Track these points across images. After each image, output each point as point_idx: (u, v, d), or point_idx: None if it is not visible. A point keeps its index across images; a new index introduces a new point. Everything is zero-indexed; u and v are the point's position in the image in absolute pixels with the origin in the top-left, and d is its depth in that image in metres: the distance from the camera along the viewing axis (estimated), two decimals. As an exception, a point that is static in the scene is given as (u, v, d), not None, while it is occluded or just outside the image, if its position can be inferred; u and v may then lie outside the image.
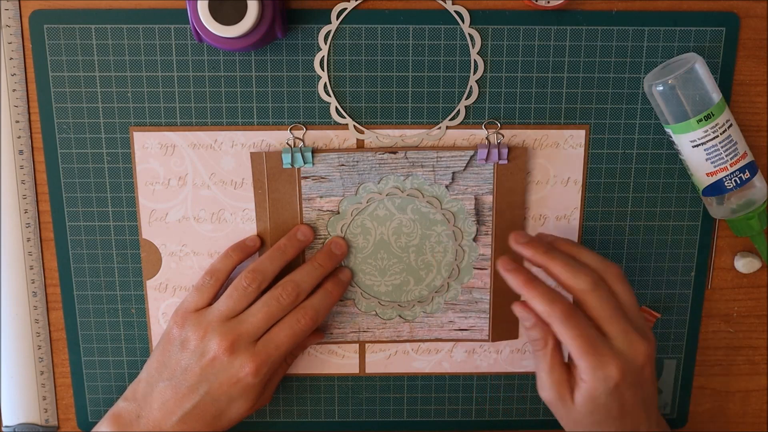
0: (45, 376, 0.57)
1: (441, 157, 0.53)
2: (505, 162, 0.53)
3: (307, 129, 0.53)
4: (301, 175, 0.53)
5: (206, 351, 0.50)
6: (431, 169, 0.53)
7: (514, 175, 0.54)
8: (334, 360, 0.58)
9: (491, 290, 0.56)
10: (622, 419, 0.48)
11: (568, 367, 0.48)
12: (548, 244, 0.49)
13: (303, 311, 0.52)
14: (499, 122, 0.53)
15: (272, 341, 0.51)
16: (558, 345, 0.48)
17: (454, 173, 0.53)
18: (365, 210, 0.54)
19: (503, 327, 0.57)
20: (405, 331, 0.57)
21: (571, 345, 0.46)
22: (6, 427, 0.57)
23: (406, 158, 0.53)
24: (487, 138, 0.53)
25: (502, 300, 0.56)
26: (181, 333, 0.51)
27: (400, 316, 0.56)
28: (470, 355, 0.58)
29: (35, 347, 0.56)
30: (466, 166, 0.53)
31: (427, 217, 0.54)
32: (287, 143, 0.53)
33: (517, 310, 0.48)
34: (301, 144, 0.53)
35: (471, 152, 0.53)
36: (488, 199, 0.54)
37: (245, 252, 0.54)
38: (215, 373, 0.50)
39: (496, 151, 0.53)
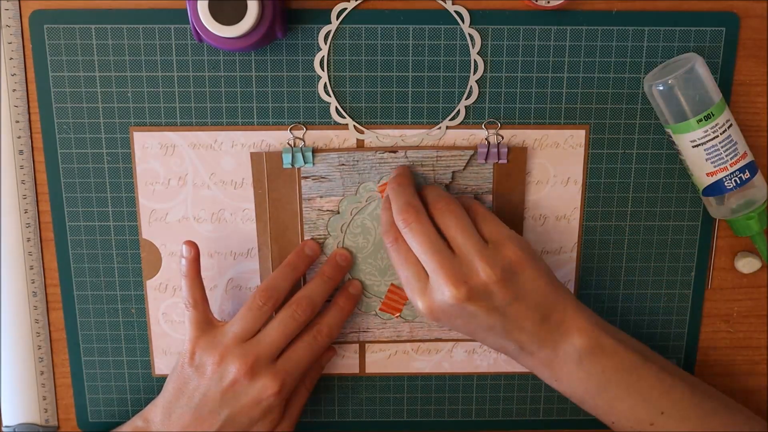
0: (45, 376, 0.57)
1: (441, 157, 0.53)
2: (505, 162, 0.53)
3: (307, 129, 0.53)
4: (302, 175, 0.53)
5: (225, 375, 0.49)
6: (431, 168, 0.53)
7: (513, 175, 0.53)
8: (334, 360, 0.58)
9: None
10: (479, 339, 0.50)
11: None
12: (403, 182, 0.51)
13: (318, 328, 0.52)
14: (500, 122, 0.53)
15: (291, 359, 0.51)
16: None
17: (453, 172, 0.53)
18: (365, 209, 0.54)
19: None
20: (405, 331, 0.57)
21: (398, 273, 0.50)
22: (6, 427, 0.57)
23: (406, 158, 0.53)
24: (486, 138, 0.53)
25: None
26: (198, 358, 0.50)
27: (400, 315, 0.56)
28: (470, 355, 0.58)
29: (35, 347, 0.56)
30: (465, 166, 0.53)
31: None
32: (287, 143, 0.53)
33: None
34: (301, 144, 0.53)
35: (471, 152, 0.53)
36: (488, 198, 0.54)
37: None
38: (236, 396, 0.49)
39: (495, 151, 0.53)
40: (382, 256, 0.55)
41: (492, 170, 0.53)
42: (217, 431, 0.50)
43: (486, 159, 0.53)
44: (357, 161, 0.53)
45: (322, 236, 0.54)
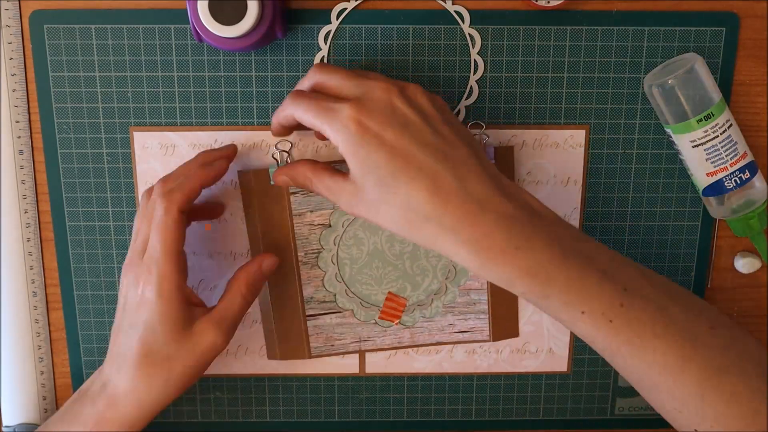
0: (45, 376, 0.57)
1: None
2: (492, 162, 0.52)
3: (293, 146, 0.53)
4: (290, 191, 0.52)
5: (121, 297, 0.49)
6: None
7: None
8: (334, 360, 0.58)
9: (489, 291, 0.55)
10: (405, 168, 0.41)
11: (342, 173, 0.45)
12: None
13: (154, 201, 0.47)
14: (484, 123, 0.53)
15: (149, 247, 0.47)
16: (321, 165, 0.46)
17: None
18: (357, 220, 0.53)
19: (503, 326, 0.57)
20: (406, 337, 0.56)
21: (307, 119, 0.44)
22: (6, 427, 0.57)
23: None
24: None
25: (501, 299, 0.56)
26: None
27: (399, 322, 0.56)
28: (470, 355, 0.58)
29: (35, 347, 0.56)
30: None
31: None
32: (272, 157, 0.52)
33: (276, 179, 0.49)
34: (287, 157, 0.53)
35: None
36: None
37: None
38: (128, 308, 0.48)
39: None
40: (377, 266, 0.54)
41: None
42: (136, 347, 0.47)
43: None
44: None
45: (316, 251, 0.54)
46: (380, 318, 0.56)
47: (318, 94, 0.44)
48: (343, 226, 0.53)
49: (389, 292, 0.55)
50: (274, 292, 0.54)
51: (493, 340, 0.57)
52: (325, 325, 0.55)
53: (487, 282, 0.55)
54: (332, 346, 0.56)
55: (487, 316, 0.56)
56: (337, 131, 0.42)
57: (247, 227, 0.53)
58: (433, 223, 0.41)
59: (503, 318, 0.56)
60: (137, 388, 0.47)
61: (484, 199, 0.42)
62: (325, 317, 0.55)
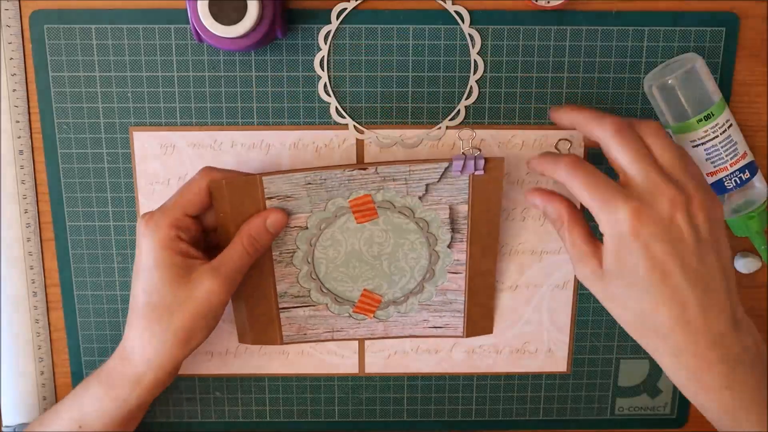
0: (45, 376, 0.57)
1: (414, 171, 0.51)
2: (481, 173, 0.51)
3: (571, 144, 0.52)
4: (266, 196, 0.51)
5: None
6: (404, 182, 0.51)
7: (489, 184, 0.52)
8: (334, 360, 0.58)
9: (466, 292, 0.55)
10: (660, 285, 0.42)
11: (594, 238, 0.46)
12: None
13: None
14: (475, 132, 0.53)
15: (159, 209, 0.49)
16: (578, 216, 0.46)
17: (427, 185, 0.51)
18: (335, 223, 0.52)
19: (477, 324, 0.56)
20: (379, 330, 0.56)
21: (580, 195, 0.43)
22: (6, 427, 0.57)
23: (377, 173, 0.51)
24: (463, 151, 0.52)
25: (477, 299, 0.55)
26: None
27: (374, 316, 0.56)
28: (470, 355, 0.58)
29: (35, 347, 0.56)
30: (440, 178, 0.51)
31: (400, 227, 0.53)
32: (555, 148, 0.51)
33: (528, 195, 0.48)
34: (569, 147, 0.53)
35: (445, 164, 0.51)
36: (463, 209, 0.52)
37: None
38: (136, 257, 0.48)
39: (472, 162, 0.51)
40: (354, 265, 0.54)
41: (468, 181, 0.51)
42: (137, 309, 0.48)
43: (462, 171, 0.51)
44: (324, 179, 0.50)
45: (291, 250, 0.53)
46: (354, 312, 0.55)
47: (597, 172, 0.44)
48: (320, 228, 0.52)
49: (364, 289, 0.55)
50: (247, 286, 0.53)
51: (467, 337, 0.57)
52: (297, 316, 0.55)
53: (465, 284, 0.55)
54: (305, 335, 0.56)
55: (462, 314, 0.56)
56: (608, 224, 0.42)
57: (220, 235, 0.51)
58: (662, 339, 0.43)
59: (478, 316, 0.56)
60: (142, 338, 0.48)
61: (718, 336, 0.42)
62: (298, 310, 0.55)
